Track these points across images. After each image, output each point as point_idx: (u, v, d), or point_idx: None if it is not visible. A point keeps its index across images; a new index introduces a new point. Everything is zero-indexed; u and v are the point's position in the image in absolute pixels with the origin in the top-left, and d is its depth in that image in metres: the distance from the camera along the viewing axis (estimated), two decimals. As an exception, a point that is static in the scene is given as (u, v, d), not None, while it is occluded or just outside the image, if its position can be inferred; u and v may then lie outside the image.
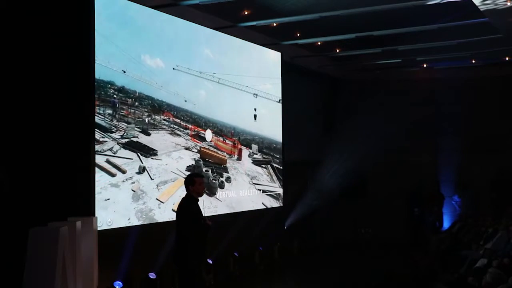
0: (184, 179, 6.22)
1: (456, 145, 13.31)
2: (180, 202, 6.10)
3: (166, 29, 8.30)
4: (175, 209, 7.94)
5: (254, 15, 9.46)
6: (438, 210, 13.31)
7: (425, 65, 13.79)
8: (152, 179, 7.69)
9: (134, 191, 7.37)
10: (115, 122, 7.23)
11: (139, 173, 7.48)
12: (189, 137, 8.61)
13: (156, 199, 7.75)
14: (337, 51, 12.21)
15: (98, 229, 6.41)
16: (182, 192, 8.10)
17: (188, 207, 5.95)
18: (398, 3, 8.62)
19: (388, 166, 13.24)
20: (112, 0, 7.34)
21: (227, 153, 9.47)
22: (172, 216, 7.94)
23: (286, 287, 9.69)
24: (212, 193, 8.89)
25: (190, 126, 8.64)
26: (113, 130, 7.18)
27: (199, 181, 6.07)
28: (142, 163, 7.55)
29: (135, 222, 7.34)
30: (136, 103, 7.64)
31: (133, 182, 7.37)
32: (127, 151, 7.35)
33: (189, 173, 8.37)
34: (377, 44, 11.38)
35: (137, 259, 7.35)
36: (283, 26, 10.03)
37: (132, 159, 7.39)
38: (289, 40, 11.10)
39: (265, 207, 10.22)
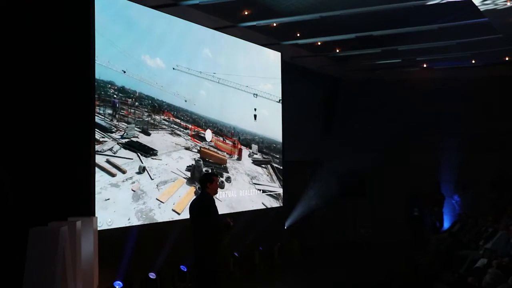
0: (200, 178, 6.49)
1: (456, 145, 13.31)
2: (196, 200, 6.27)
3: (166, 29, 8.30)
4: (175, 209, 8.04)
5: (254, 15, 9.46)
6: (438, 210, 13.31)
7: (425, 65, 13.79)
8: (152, 179, 7.69)
9: (134, 191, 7.37)
10: (115, 122, 7.23)
11: (139, 173, 7.48)
12: (189, 137, 8.61)
13: (156, 199, 7.75)
14: (337, 51, 12.22)
15: (98, 229, 6.41)
16: (182, 192, 8.22)
17: (208, 201, 6.14)
18: (398, 3, 8.62)
19: (388, 166, 13.23)
20: (112, 0, 7.34)
21: (227, 153, 9.47)
22: (172, 216, 7.98)
23: (286, 287, 9.68)
24: (212, 193, 8.88)
25: (190, 126, 8.64)
26: (113, 130, 7.18)
27: (216, 180, 6.37)
28: (142, 163, 7.55)
29: (135, 222, 7.34)
30: (136, 103, 7.65)
31: (133, 182, 7.37)
32: (127, 151, 7.35)
33: (189, 173, 8.42)
34: (377, 44, 11.39)
35: (137, 259, 7.35)
36: (283, 26, 10.04)
37: (132, 159, 7.39)
38: (289, 40, 11.10)
39: (265, 207, 10.22)
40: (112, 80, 7.20)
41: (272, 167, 10.62)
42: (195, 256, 6.07)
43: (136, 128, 7.58)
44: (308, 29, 10.50)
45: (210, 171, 8.84)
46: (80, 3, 6.87)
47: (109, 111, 7.15)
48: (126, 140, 7.37)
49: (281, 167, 10.81)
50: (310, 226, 12.27)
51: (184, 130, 8.51)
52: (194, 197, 6.74)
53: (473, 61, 13.00)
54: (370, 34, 10.24)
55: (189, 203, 6.38)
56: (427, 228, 12.96)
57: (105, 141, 7.02)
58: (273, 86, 10.77)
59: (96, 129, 6.89)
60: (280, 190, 10.73)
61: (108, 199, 6.94)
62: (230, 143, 9.58)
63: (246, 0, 9.04)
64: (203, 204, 6.12)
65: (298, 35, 10.94)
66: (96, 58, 6.89)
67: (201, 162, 8.73)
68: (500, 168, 12.95)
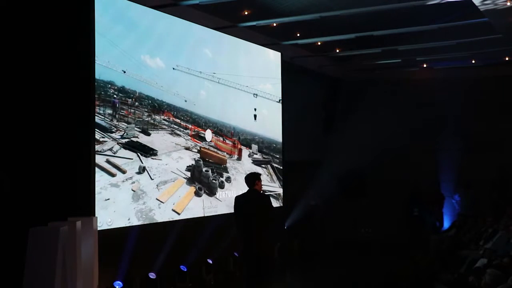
0: (248, 176, 6.79)
1: (456, 145, 13.31)
2: (250, 196, 6.57)
3: (166, 29, 8.30)
4: (175, 209, 8.05)
5: (254, 15, 9.46)
6: (438, 210, 13.31)
7: (425, 65, 13.79)
8: (152, 179, 7.69)
9: (134, 191, 7.37)
10: (115, 122, 7.23)
11: (139, 173, 7.48)
12: (189, 137, 8.61)
13: (156, 199, 7.75)
14: (337, 51, 12.22)
15: (98, 229, 6.39)
16: (182, 192, 8.22)
17: (266, 196, 6.69)
18: (398, 3, 8.62)
19: (388, 166, 13.23)
20: (112, 0, 7.34)
21: (227, 153, 9.47)
22: (172, 216, 7.99)
23: (286, 287, 9.68)
24: (212, 193, 8.90)
25: (190, 126, 8.64)
26: (113, 130, 7.19)
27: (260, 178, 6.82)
28: (142, 163, 7.55)
29: (135, 222, 7.34)
30: (136, 103, 7.65)
31: (133, 182, 7.37)
32: (127, 151, 7.35)
33: (189, 173, 8.43)
34: (377, 44, 11.38)
35: (137, 259, 7.36)
36: (283, 26, 10.03)
37: (132, 159, 7.39)
38: (289, 40, 11.10)
39: (265, 207, 10.20)
40: (112, 80, 7.21)
41: (272, 167, 10.62)
42: (255, 247, 6.40)
43: (136, 128, 7.58)
44: (308, 29, 10.50)
45: (210, 171, 8.85)
46: (80, 3, 6.87)
47: (109, 111, 7.15)
48: (126, 140, 7.37)
49: (281, 167, 10.81)
50: (310, 226, 12.26)
51: (184, 130, 8.51)
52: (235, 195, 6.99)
53: (473, 61, 13.01)
54: (370, 34, 10.25)
55: (235, 199, 6.72)
56: (427, 228, 12.95)
57: (105, 141, 7.02)
58: (273, 86, 10.77)
59: (96, 129, 6.89)
60: (280, 190, 10.72)
61: (108, 199, 6.94)
62: (230, 143, 9.58)
63: (246, 0, 9.04)
64: (265, 200, 6.61)
65: (298, 35, 10.94)
66: (96, 58, 6.89)
67: (201, 162, 8.73)
68: (501, 168, 12.94)
